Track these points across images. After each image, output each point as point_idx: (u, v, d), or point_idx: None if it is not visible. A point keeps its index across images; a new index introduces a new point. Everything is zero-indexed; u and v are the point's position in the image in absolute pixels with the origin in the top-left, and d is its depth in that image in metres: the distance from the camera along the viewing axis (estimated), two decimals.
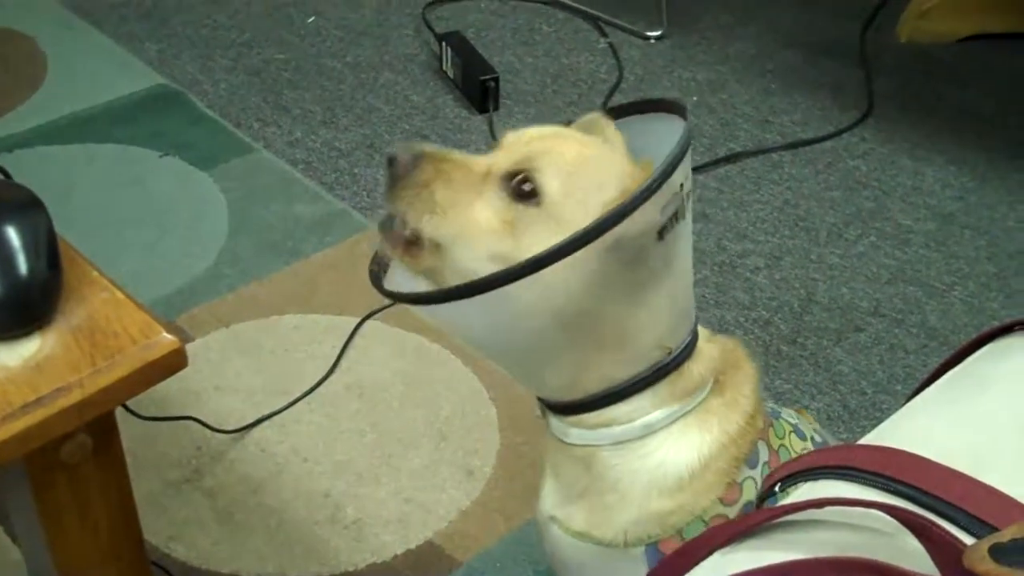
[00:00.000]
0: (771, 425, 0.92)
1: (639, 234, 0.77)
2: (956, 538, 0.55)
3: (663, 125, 0.87)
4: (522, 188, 0.82)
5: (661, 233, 0.79)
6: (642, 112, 0.90)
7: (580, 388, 0.86)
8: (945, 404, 0.73)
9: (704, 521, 0.87)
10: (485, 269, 0.80)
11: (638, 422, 0.86)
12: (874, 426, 0.76)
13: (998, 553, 0.51)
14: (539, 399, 0.91)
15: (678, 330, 0.87)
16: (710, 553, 0.64)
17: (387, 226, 0.85)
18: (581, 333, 0.82)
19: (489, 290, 0.77)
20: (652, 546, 0.87)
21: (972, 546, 0.52)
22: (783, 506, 0.63)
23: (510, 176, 0.82)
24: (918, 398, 0.76)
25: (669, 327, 0.85)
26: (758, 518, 0.63)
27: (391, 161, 0.83)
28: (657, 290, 0.82)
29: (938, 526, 0.56)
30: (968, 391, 0.73)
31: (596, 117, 0.91)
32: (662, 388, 0.86)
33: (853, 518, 0.61)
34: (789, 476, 0.72)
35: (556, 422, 0.90)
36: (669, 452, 0.87)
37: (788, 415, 0.98)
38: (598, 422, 0.87)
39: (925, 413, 0.73)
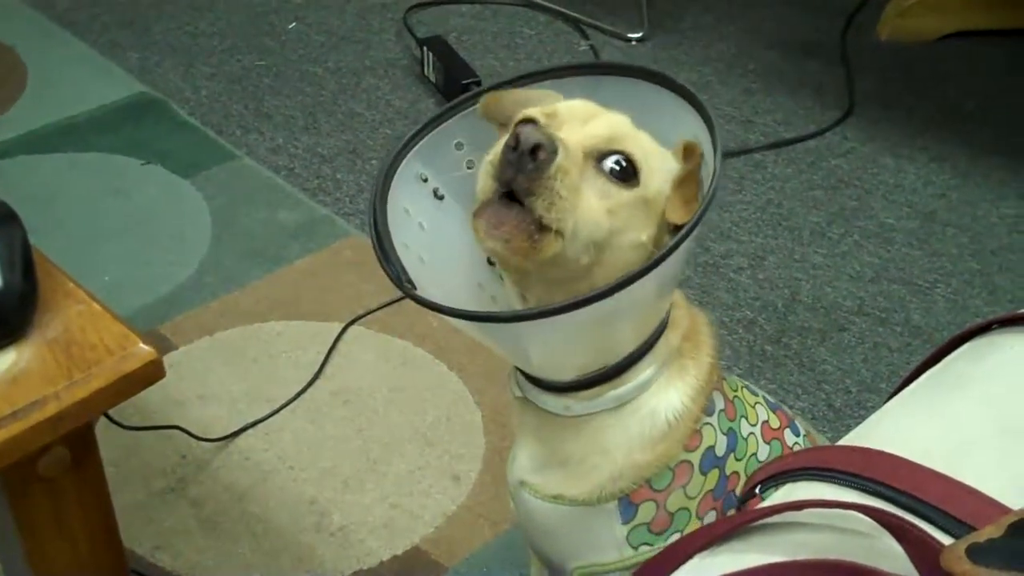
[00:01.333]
0: (724, 378, 0.94)
1: None
2: (934, 538, 0.55)
3: (640, 91, 0.88)
4: (618, 169, 0.80)
5: None
6: (633, 77, 0.89)
7: (599, 364, 0.86)
8: (923, 404, 0.73)
9: (670, 468, 0.88)
10: (586, 258, 0.79)
11: (635, 381, 0.87)
12: (857, 426, 0.76)
13: (975, 553, 0.51)
14: (529, 380, 0.90)
15: (675, 296, 0.89)
16: (690, 556, 0.64)
17: (495, 211, 0.78)
18: (645, 312, 0.84)
19: (620, 291, 0.74)
20: (624, 498, 0.88)
21: (949, 546, 0.52)
22: (762, 509, 0.63)
23: (601, 156, 0.80)
24: (897, 398, 0.76)
25: (671, 296, 0.88)
26: (738, 521, 0.63)
27: (535, 149, 0.75)
28: (683, 257, 0.83)
29: (916, 527, 0.56)
30: (946, 390, 0.73)
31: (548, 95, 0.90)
32: (660, 347, 0.87)
33: (832, 520, 0.61)
34: (769, 478, 0.72)
35: (553, 399, 0.89)
36: (659, 404, 0.88)
37: (736, 377, 1.00)
38: (605, 389, 0.87)
39: (904, 413, 0.73)
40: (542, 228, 0.77)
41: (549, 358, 0.86)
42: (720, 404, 0.91)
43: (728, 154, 2.07)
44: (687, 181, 0.80)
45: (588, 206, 0.78)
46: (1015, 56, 2.38)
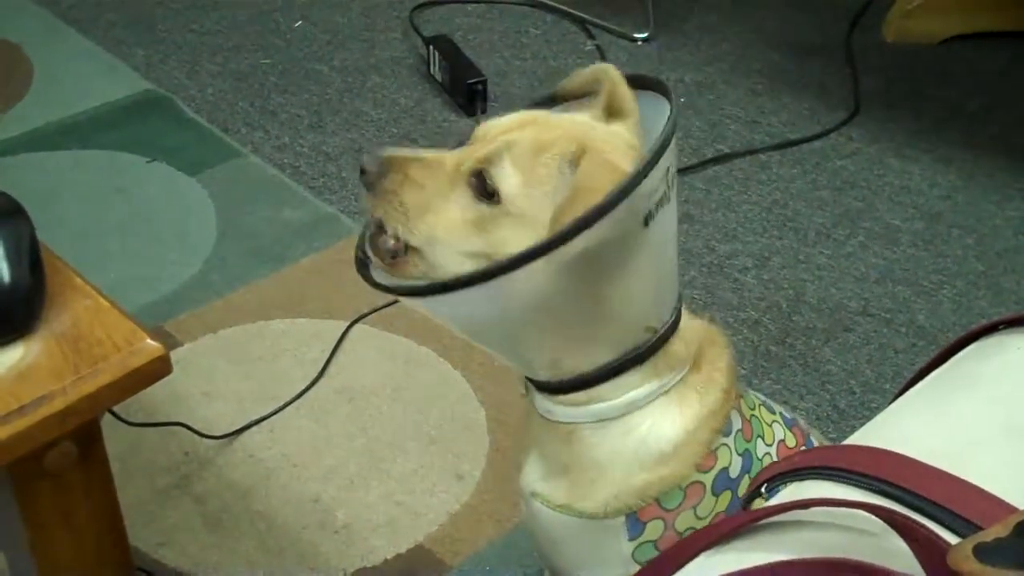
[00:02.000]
0: (742, 396, 0.93)
1: (619, 229, 0.77)
2: (940, 537, 0.55)
3: (647, 103, 0.88)
4: (483, 187, 0.82)
5: (646, 220, 0.79)
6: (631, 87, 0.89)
7: (568, 369, 0.86)
8: (930, 404, 0.73)
9: (681, 488, 0.87)
10: (464, 268, 0.81)
11: (622, 399, 0.87)
12: (863, 426, 0.76)
13: (982, 552, 0.51)
14: (526, 378, 0.91)
15: (663, 310, 0.87)
16: (697, 554, 0.64)
17: (372, 237, 0.85)
18: (567, 318, 0.83)
19: (457, 289, 0.78)
20: (632, 515, 0.88)
21: (956, 545, 0.52)
22: (769, 507, 0.63)
23: (474, 173, 0.82)
24: (903, 398, 0.76)
25: (654, 309, 0.86)
26: (744, 519, 0.63)
27: (361, 171, 0.83)
28: (641, 274, 0.82)
29: (923, 526, 0.56)
30: (953, 390, 0.73)
31: (604, 68, 0.89)
32: (647, 366, 0.86)
33: (839, 518, 0.61)
34: (775, 477, 0.72)
35: (541, 400, 0.90)
36: (652, 429, 0.87)
37: (755, 393, 0.99)
38: (585, 399, 0.87)
39: (910, 413, 0.73)
40: (408, 248, 0.84)
41: (491, 347, 0.89)
42: (737, 424, 0.90)
43: (733, 155, 2.07)
44: (568, 206, 0.78)
45: (445, 218, 0.83)
46: (1020, 58, 2.38)
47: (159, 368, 0.75)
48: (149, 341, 0.75)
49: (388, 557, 1.35)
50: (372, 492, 1.43)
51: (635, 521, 0.88)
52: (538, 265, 0.75)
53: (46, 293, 0.78)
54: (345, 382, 1.58)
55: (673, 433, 0.87)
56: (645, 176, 0.75)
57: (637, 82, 0.89)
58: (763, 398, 0.98)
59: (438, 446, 1.49)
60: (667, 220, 0.82)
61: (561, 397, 0.88)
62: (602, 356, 0.85)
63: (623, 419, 0.87)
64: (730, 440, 0.89)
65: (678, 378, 0.88)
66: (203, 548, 1.35)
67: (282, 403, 1.54)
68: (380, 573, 1.33)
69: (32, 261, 0.77)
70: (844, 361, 1.64)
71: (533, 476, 0.94)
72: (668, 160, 0.79)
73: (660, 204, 0.79)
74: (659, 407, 0.87)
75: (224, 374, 1.59)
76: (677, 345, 0.88)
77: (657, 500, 0.87)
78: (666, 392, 0.87)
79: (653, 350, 0.86)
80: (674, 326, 0.88)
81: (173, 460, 1.46)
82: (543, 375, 0.88)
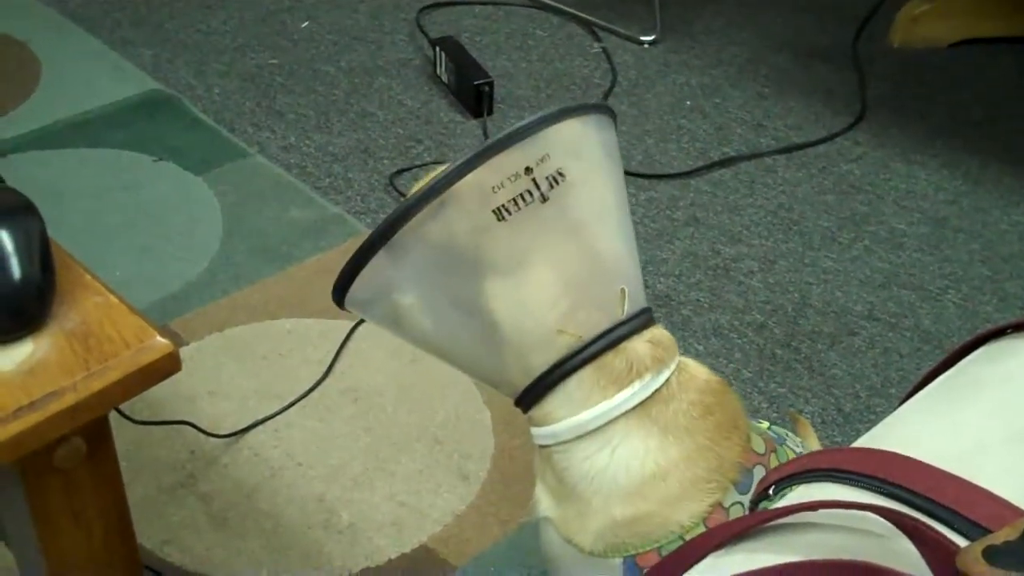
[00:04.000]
0: (774, 451, 0.92)
1: (461, 222, 0.81)
2: (949, 540, 0.55)
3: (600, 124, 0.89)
4: None
5: (499, 215, 0.81)
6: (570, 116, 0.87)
7: (507, 381, 0.88)
8: (938, 408, 0.73)
9: (683, 539, 0.86)
10: None
11: (570, 421, 0.86)
12: (869, 430, 0.76)
13: (991, 555, 0.51)
14: None
15: (581, 316, 0.85)
16: (705, 555, 0.64)
17: None
18: (465, 324, 0.85)
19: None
20: (630, 559, 0.87)
21: (966, 548, 0.52)
22: (777, 509, 0.63)
23: None
24: (911, 402, 0.76)
25: (563, 313, 0.84)
26: (752, 520, 0.63)
27: None
28: (523, 272, 0.83)
29: (931, 528, 0.56)
30: (961, 395, 0.73)
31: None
32: (584, 379, 0.86)
33: (847, 520, 0.61)
34: (783, 479, 0.72)
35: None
36: (613, 456, 0.86)
37: (793, 442, 0.97)
38: (540, 418, 0.88)
39: (918, 417, 0.73)
40: None
41: (455, 366, 0.91)
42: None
43: (739, 158, 2.07)
44: None
45: None
46: None
47: (169, 365, 0.75)
48: (159, 338, 0.75)
49: (393, 557, 1.35)
50: (377, 492, 1.43)
51: (633, 566, 0.87)
52: (385, 264, 0.83)
53: (56, 289, 0.78)
54: (351, 382, 1.58)
55: (636, 466, 0.86)
56: (461, 174, 0.80)
57: (568, 113, 0.86)
58: (799, 450, 0.95)
59: (443, 446, 1.49)
60: (546, 222, 0.83)
61: (528, 415, 0.89)
62: (529, 363, 0.86)
63: (582, 441, 0.87)
64: (747, 499, 0.88)
65: (635, 401, 0.86)
66: (208, 547, 1.36)
67: (287, 402, 1.54)
68: (385, 573, 1.34)
69: (43, 257, 0.77)
70: (849, 365, 1.64)
71: (545, 503, 0.94)
72: (522, 157, 0.81)
73: (522, 202, 0.82)
74: (619, 432, 0.86)
75: (230, 373, 1.59)
76: (614, 360, 0.86)
77: (658, 550, 0.87)
78: (624, 419, 0.86)
79: (582, 360, 0.85)
80: (614, 340, 0.86)
81: (178, 458, 1.46)
82: (504, 391, 0.90)
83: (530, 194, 0.82)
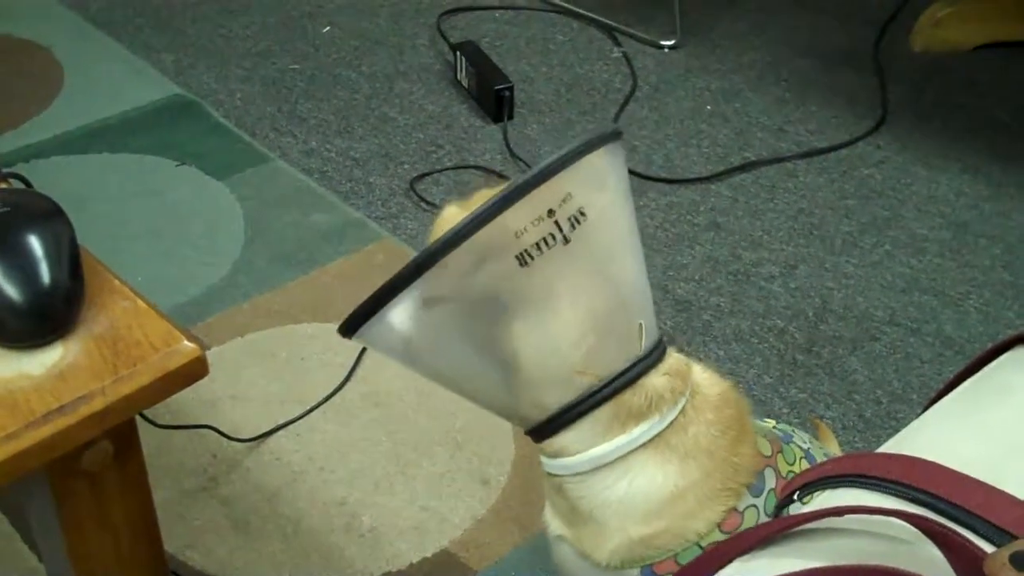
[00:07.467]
0: (780, 451, 0.92)
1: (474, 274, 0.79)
2: (976, 546, 0.55)
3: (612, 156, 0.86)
4: None
5: (522, 261, 0.79)
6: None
7: (527, 418, 0.87)
8: (963, 414, 0.73)
9: (701, 548, 0.86)
10: None
11: (588, 454, 0.86)
12: (889, 435, 0.76)
13: (1018, 561, 0.51)
14: None
15: (603, 357, 0.85)
16: (730, 560, 0.64)
17: None
18: (481, 366, 0.84)
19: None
20: (647, 568, 0.87)
21: (992, 554, 0.52)
22: (803, 514, 0.63)
23: None
24: (936, 407, 0.76)
25: (584, 355, 0.84)
26: (778, 526, 0.63)
27: None
28: (545, 317, 0.81)
29: (958, 534, 0.56)
30: (986, 400, 0.73)
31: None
32: (602, 417, 0.85)
33: (873, 526, 0.61)
34: (807, 484, 0.72)
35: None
36: (632, 485, 0.86)
37: (800, 439, 0.97)
38: (553, 451, 0.88)
39: (943, 422, 0.73)
40: None
41: (467, 399, 0.91)
42: (771, 483, 0.89)
43: (760, 162, 2.07)
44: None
45: None
46: None
47: (196, 369, 0.76)
48: (186, 343, 0.76)
49: (414, 561, 1.36)
50: (398, 496, 1.43)
51: (650, 575, 0.88)
52: (405, 307, 0.79)
53: (85, 294, 0.79)
54: (372, 386, 1.59)
55: (655, 492, 0.86)
56: (485, 220, 0.77)
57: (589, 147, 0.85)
58: (806, 447, 0.95)
59: (464, 451, 1.50)
60: (570, 263, 0.81)
61: (540, 446, 0.89)
62: (544, 401, 0.85)
63: (599, 473, 0.86)
64: (759, 501, 0.88)
65: (653, 433, 0.86)
66: (230, 550, 1.36)
67: (309, 407, 1.55)
68: None
69: (72, 262, 0.77)
70: (871, 370, 1.64)
71: (557, 523, 0.94)
72: (545, 198, 0.79)
73: (545, 246, 0.80)
74: (637, 463, 0.86)
75: (251, 377, 1.60)
76: (632, 398, 0.85)
77: (675, 558, 0.87)
78: (642, 450, 0.86)
79: (600, 400, 0.85)
80: (632, 378, 0.85)
81: (200, 462, 1.47)
82: (514, 423, 0.89)
83: (553, 238, 0.80)
